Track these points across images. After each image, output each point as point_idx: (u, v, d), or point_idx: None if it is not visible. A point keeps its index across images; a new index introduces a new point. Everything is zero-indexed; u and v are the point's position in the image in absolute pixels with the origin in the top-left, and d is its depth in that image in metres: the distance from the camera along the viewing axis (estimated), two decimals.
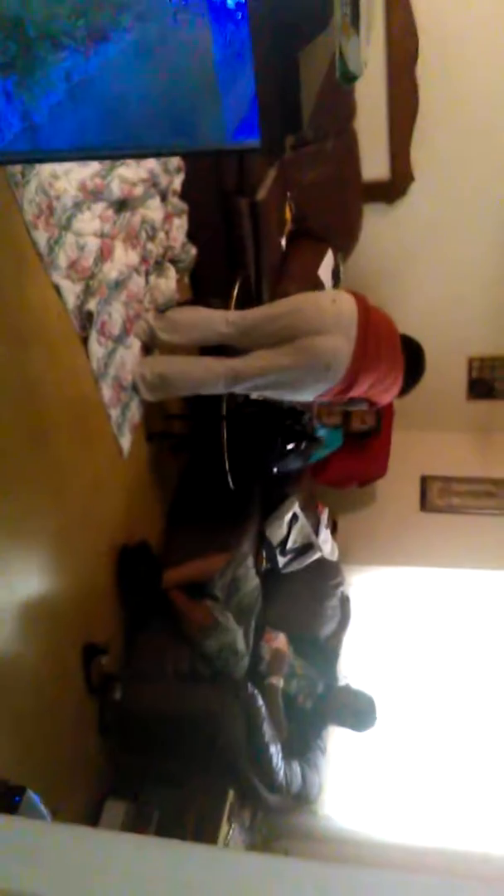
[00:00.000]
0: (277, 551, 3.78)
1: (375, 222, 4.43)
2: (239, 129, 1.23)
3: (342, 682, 3.71)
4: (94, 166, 2.63)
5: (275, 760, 3.06)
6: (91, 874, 0.93)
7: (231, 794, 3.00)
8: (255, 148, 1.17)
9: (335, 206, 4.17)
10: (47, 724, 2.48)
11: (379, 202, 4.41)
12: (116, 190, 2.73)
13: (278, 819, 3.51)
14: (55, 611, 2.53)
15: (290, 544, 3.81)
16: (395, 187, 4.36)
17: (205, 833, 2.81)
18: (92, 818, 2.83)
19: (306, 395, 2.99)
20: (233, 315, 3.07)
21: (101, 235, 2.69)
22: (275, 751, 3.07)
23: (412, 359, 3.03)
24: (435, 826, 3.61)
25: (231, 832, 2.99)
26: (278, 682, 3.34)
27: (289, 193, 3.84)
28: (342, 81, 1.36)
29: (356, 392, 2.92)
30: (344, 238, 4.36)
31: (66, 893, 0.90)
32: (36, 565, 2.42)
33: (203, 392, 3.09)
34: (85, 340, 2.68)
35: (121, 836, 1.16)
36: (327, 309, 2.89)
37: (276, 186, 3.54)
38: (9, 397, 2.20)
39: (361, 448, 4.40)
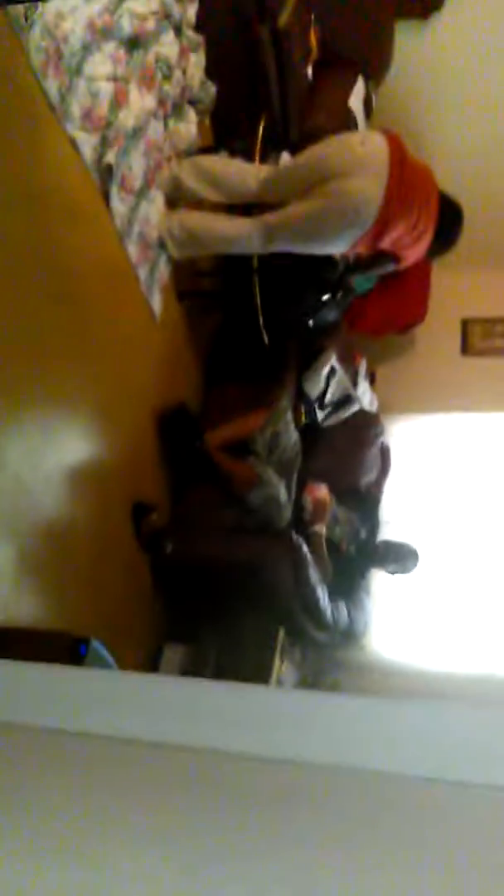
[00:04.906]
0: (316, 405, 3.77)
1: (409, 42, 4.01)
2: None
3: (384, 527, 3.81)
4: (101, 1, 2.41)
5: (322, 601, 3.21)
6: (163, 717, 0.99)
7: (281, 633, 3.18)
8: None
9: (364, 27, 3.79)
10: (103, 578, 2.62)
11: (412, 18, 3.97)
12: (127, 26, 2.52)
13: (327, 655, 3.73)
14: (102, 473, 2.59)
15: (328, 398, 3.80)
16: None
17: (259, 670, 3.01)
18: (152, 663, 3.04)
19: (340, 246, 2.87)
20: (264, 170, 2.92)
21: (115, 79, 2.51)
22: (321, 592, 3.22)
23: (447, 218, 2.85)
24: (479, 654, 3.81)
25: (283, 668, 3.19)
26: (321, 529, 3.44)
27: (313, 17, 3.49)
28: None
29: (387, 240, 2.79)
30: (375, 63, 3.99)
31: (142, 733, 0.96)
32: (78, 430, 2.46)
33: (234, 251, 2.99)
34: (106, 196, 2.57)
35: (193, 682, 1.23)
36: (356, 150, 2.73)
37: (298, 10, 3.22)
38: (33, 262, 2.14)
39: (398, 292, 4.24)
